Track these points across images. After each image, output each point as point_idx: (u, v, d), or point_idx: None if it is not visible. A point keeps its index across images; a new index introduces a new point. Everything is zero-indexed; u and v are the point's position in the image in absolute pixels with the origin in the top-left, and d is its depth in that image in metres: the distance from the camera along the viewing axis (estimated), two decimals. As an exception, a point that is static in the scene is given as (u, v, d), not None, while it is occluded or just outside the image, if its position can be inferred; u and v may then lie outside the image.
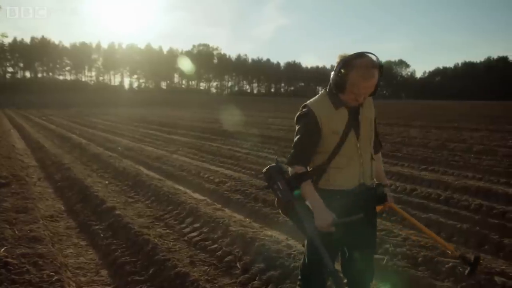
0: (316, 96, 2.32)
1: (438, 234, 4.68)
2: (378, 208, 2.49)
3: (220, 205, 5.90)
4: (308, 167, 2.28)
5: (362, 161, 2.28)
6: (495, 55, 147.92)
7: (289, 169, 2.26)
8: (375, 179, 2.43)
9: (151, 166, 9.16)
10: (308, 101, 2.29)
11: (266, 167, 2.25)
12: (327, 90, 2.27)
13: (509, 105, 49.77)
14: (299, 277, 2.48)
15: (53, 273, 3.30)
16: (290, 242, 4.23)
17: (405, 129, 17.17)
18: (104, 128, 19.28)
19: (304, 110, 2.27)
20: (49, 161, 9.55)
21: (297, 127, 2.29)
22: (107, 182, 7.46)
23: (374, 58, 2.12)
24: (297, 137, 2.26)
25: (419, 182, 7.19)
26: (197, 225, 4.90)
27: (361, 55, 2.11)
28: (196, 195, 6.50)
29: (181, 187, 6.98)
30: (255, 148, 11.87)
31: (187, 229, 4.84)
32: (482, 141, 12.76)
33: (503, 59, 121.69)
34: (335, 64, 2.17)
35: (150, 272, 3.63)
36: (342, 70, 2.11)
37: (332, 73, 2.18)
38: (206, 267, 3.80)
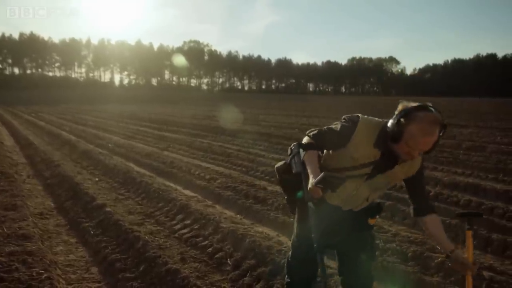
0: (374, 119, 2.20)
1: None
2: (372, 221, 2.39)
3: (211, 202, 5.90)
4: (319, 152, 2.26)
5: (353, 195, 2.22)
6: (484, 52, 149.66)
7: (305, 138, 2.25)
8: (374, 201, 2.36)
9: (142, 163, 9.12)
10: (364, 115, 2.21)
11: (294, 143, 2.26)
12: (382, 127, 2.11)
13: (497, 102, 50.39)
14: (285, 271, 2.52)
15: (42, 271, 3.28)
16: (281, 239, 4.26)
17: (396, 126, 17.28)
18: (94, 125, 19.12)
19: (354, 116, 2.18)
20: (38, 158, 9.45)
21: (338, 121, 2.23)
22: (97, 179, 7.41)
23: (438, 115, 1.96)
24: (332, 125, 2.21)
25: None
26: (188, 221, 4.90)
27: (425, 108, 1.98)
28: (187, 192, 6.49)
29: (172, 184, 6.96)
30: (246, 145, 11.87)
31: (178, 226, 4.83)
32: (471, 137, 12.90)
33: (492, 56, 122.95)
34: None
35: (141, 269, 3.61)
36: (402, 120, 1.98)
37: (391, 121, 2.05)
38: (197, 264, 3.81)
